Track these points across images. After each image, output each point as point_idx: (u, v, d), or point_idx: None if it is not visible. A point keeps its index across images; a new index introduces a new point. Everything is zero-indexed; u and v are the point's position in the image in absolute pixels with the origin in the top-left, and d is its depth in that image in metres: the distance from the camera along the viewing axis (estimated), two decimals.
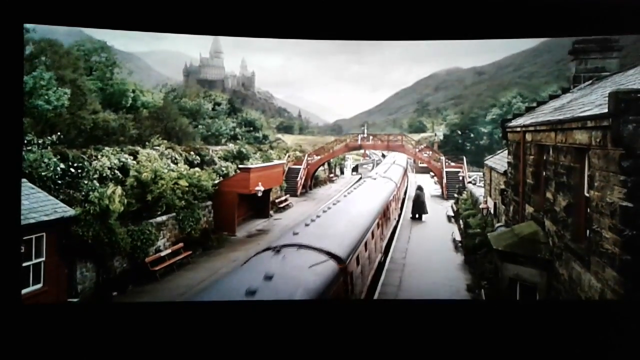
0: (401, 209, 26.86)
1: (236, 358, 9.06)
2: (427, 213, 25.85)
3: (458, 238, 20.28)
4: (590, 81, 14.92)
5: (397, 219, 23.84)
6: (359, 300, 13.60)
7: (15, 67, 9.98)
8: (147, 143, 24.09)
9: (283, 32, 11.48)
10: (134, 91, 29.24)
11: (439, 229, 22.97)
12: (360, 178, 29.02)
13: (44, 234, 13.04)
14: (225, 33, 11.67)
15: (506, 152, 17.03)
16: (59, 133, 18.59)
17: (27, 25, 23.61)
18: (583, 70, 15.30)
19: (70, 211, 14.01)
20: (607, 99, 7.37)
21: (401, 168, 34.98)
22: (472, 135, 45.35)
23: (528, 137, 12.87)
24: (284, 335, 9.30)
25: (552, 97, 16.26)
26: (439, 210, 27.10)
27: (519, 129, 13.79)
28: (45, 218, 13.12)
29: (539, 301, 10.64)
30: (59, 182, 16.30)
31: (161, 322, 9.92)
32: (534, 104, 16.73)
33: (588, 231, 8.55)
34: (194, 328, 9.38)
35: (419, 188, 26.61)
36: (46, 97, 19.73)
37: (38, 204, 13.42)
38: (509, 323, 9.48)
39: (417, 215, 25.67)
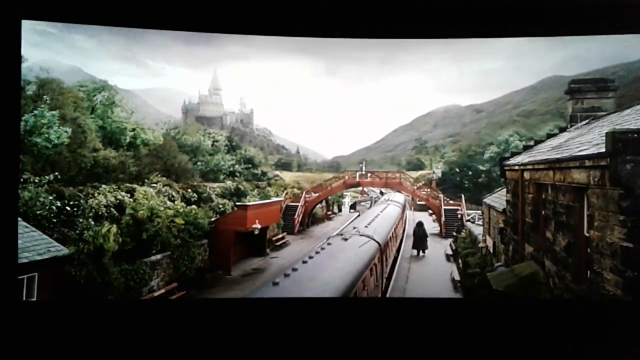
0: (399, 247, 26.63)
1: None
2: (427, 248, 25.89)
3: (457, 278, 20.03)
4: (587, 120, 14.98)
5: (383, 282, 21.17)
6: (368, 298, 13.86)
7: (13, 68, 10.02)
8: (146, 180, 24.06)
9: (280, 29, 11.58)
10: (134, 129, 29.38)
11: (437, 268, 22.72)
12: (329, 238, 18.99)
13: (36, 274, 12.83)
14: (223, 30, 11.73)
15: (504, 190, 16.97)
16: (56, 173, 18.57)
17: (31, 63, 24.01)
18: (580, 110, 15.40)
19: (63, 250, 13.83)
20: (604, 138, 7.34)
21: (396, 211, 30.26)
22: (470, 173, 45.34)
23: (526, 175, 12.82)
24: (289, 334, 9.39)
25: (550, 135, 16.32)
26: (437, 248, 26.86)
27: (517, 168, 13.76)
28: (38, 257, 12.93)
29: (538, 299, 10.57)
30: (54, 220, 16.17)
31: (155, 320, 9.91)
32: (532, 143, 16.78)
33: (589, 272, 8.41)
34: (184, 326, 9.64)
35: (419, 224, 26.51)
36: (46, 135, 19.79)
37: (31, 243, 13.24)
38: (509, 320, 9.51)
39: (418, 251, 25.81)
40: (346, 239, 16.80)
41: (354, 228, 19.40)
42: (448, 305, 12.01)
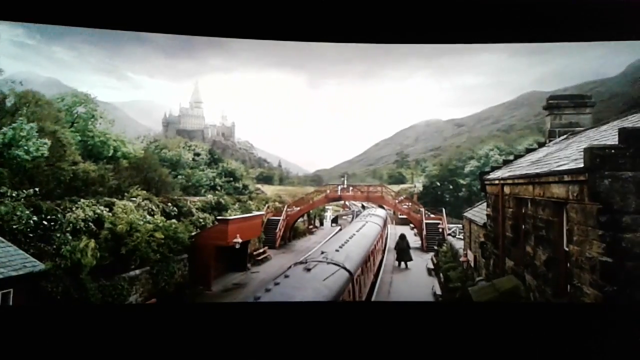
0: (381, 262, 26.63)
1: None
2: (411, 260, 26.45)
3: (439, 292, 20.05)
4: (565, 136, 15.18)
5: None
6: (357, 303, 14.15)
7: None
8: (125, 194, 23.77)
9: (265, 33, 11.55)
10: (115, 141, 29.10)
11: (419, 282, 22.71)
12: (289, 267, 15.13)
13: (12, 290, 12.57)
14: (204, 33, 11.64)
15: (485, 204, 17.08)
16: (36, 188, 18.30)
17: (8, 75, 23.70)
18: (558, 125, 15.61)
19: (40, 266, 13.60)
20: (582, 153, 7.43)
21: (374, 229, 27.41)
22: (451, 186, 45.66)
23: (506, 189, 12.91)
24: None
25: (529, 150, 16.49)
26: (419, 262, 26.91)
27: (497, 182, 13.86)
28: (14, 273, 12.69)
29: (523, 303, 10.64)
30: (31, 235, 15.87)
31: (140, 323, 9.81)
32: (511, 157, 16.94)
33: (569, 286, 8.46)
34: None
35: (401, 237, 27.11)
36: (25, 147, 19.52)
37: (7, 259, 13.01)
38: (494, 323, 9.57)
39: (401, 263, 26.35)
40: (309, 269, 14.02)
41: (322, 253, 16.49)
42: (432, 308, 12.05)
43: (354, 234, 23.18)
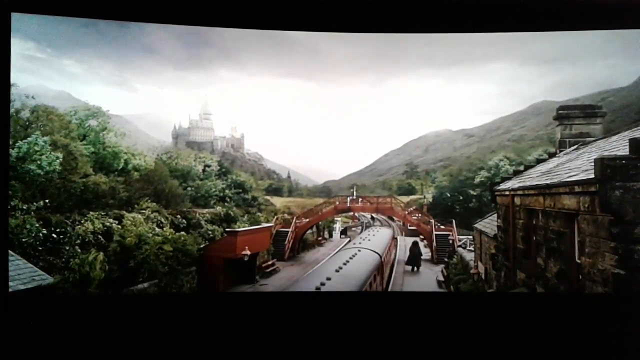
0: (390, 274, 26.44)
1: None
2: (420, 266, 28.25)
3: None
4: (575, 146, 15.03)
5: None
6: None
7: (2, 67, 9.85)
8: (135, 206, 23.83)
9: (272, 23, 11.52)
10: (125, 154, 29.26)
11: None
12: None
13: None
14: (210, 24, 11.62)
15: (495, 215, 16.92)
16: (47, 200, 18.37)
17: (20, 88, 23.91)
18: (568, 136, 15.47)
19: (48, 279, 13.60)
20: (592, 164, 7.33)
21: (370, 261, 20.32)
22: (461, 197, 45.33)
23: (517, 200, 12.78)
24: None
25: (539, 161, 16.35)
26: (429, 275, 26.73)
27: (507, 193, 13.73)
28: (22, 287, 12.69)
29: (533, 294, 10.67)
30: (40, 248, 15.92)
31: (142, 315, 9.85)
32: (522, 168, 16.81)
33: None
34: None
35: (414, 243, 29.10)
36: (39, 162, 19.65)
37: (16, 272, 13.02)
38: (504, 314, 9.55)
39: (412, 268, 28.17)
40: None
41: None
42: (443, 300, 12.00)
43: (330, 277, 15.63)
